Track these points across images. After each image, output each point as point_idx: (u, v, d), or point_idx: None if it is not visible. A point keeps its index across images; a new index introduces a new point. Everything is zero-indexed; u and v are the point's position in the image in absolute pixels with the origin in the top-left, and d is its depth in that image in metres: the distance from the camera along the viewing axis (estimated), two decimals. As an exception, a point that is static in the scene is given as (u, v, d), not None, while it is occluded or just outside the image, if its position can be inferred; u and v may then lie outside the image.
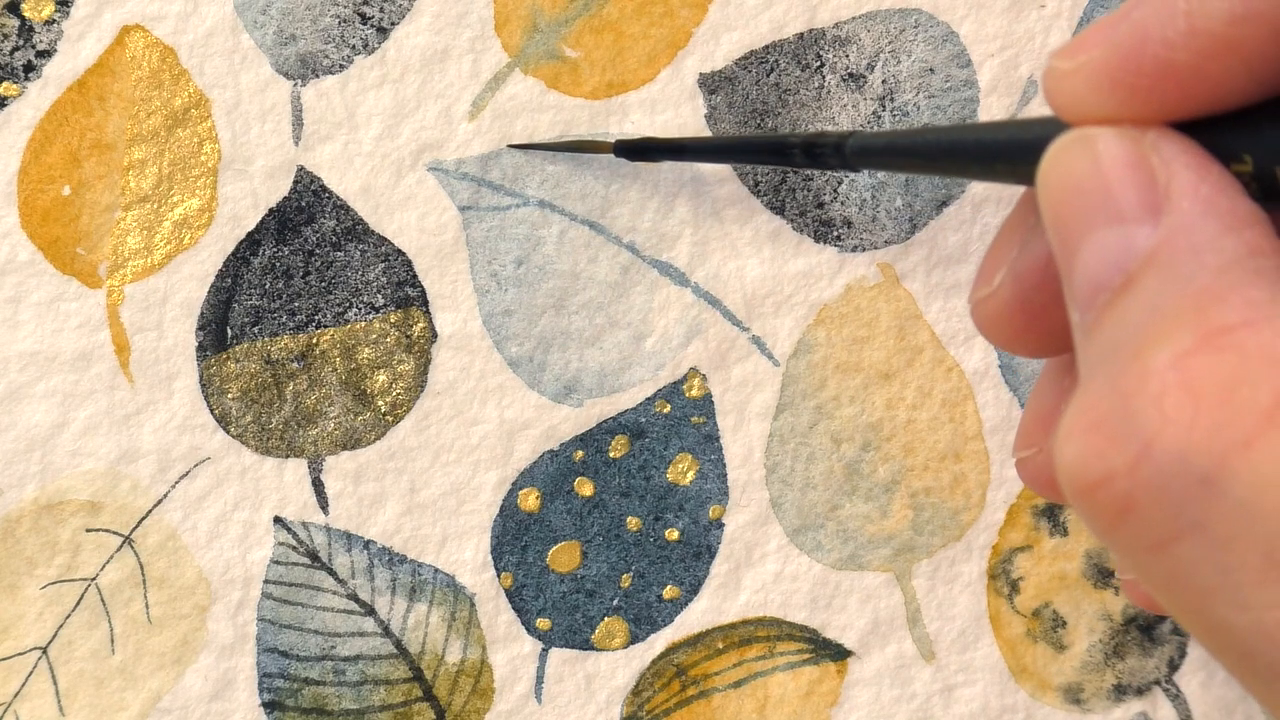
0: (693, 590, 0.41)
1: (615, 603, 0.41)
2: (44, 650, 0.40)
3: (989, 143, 0.29)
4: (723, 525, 0.41)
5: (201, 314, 0.40)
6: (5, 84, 0.40)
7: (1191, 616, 0.23)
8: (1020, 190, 0.40)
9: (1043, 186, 0.26)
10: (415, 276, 0.40)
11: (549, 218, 0.40)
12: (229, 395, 0.40)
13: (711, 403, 0.41)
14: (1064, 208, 0.25)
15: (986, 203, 0.41)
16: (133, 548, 0.40)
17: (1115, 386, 0.23)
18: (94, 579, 0.40)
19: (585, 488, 0.41)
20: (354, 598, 0.40)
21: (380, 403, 0.40)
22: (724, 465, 0.41)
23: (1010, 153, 0.28)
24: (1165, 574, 0.23)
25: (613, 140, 0.39)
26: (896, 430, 0.41)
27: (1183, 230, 0.23)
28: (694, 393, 0.41)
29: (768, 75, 0.40)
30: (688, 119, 0.40)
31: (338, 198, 0.40)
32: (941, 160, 0.31)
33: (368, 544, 0.40)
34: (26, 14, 0.40)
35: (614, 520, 0.41)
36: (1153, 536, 0.22)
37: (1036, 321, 0.30)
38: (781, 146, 0.36)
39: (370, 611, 0.40)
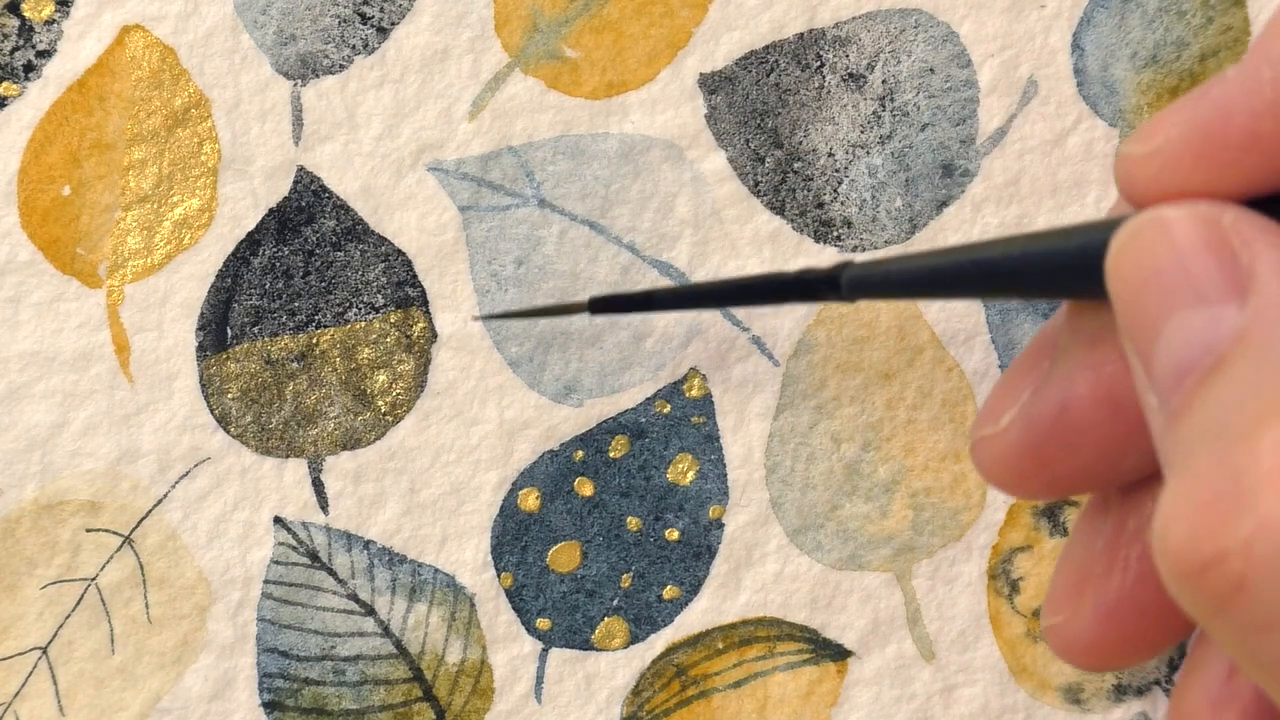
0: (693, 590, 0.41)
1: (615, 603, 0.41)
2: (44, 650, 0.40)
3: (1009, 259, 0.28)
4: (723, 525, 0.41)
5: (201, 314, 0.40)
6: (5, 84, 0.40)
7: None
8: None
9: (1114, 273, 0.25)
10: (415, 276, 0.40)
11: (549, 218, 0.40)
12: (229, 395, 0.40)
13: (711, 403, 0.41)
14: (1140, 292, 0.25)
15: (986, 203, 0.41)
16: (133, 548, 0.40)
17: (1224, 465, 0.22)
18: (94, 579, 0.40)
19: (585, 488, 0.41)
20: (354, 598, 0.40)
21: (380, 403, 0.40)
22: (724, 465, 0.41)
23: (1038, 264, 0.27)
24: (1277, 655, 0.22)
25: (586, 299, 0.39)
26: (897, 430, 0.41)
27: (1273, 308, 0.23)
28: (694, 393, 0.41)
29: (768, 75, 0.40)
30: (688, 119, 0.40)
31: (338, 198, 0.40)
32: (949, 286, 0.30)
33: (368, 544, 0.40)
34: (26, 14, 0.40)
35: (614, 520, 0.40)
36: (1265, 616, 0.22)
37: (1044, 467, 0.29)
38: (771, 285, 0.35)
39: (370, 611, 0.40)
